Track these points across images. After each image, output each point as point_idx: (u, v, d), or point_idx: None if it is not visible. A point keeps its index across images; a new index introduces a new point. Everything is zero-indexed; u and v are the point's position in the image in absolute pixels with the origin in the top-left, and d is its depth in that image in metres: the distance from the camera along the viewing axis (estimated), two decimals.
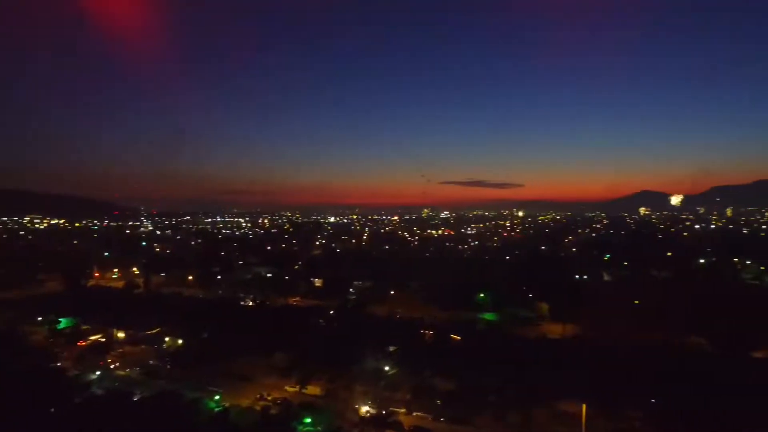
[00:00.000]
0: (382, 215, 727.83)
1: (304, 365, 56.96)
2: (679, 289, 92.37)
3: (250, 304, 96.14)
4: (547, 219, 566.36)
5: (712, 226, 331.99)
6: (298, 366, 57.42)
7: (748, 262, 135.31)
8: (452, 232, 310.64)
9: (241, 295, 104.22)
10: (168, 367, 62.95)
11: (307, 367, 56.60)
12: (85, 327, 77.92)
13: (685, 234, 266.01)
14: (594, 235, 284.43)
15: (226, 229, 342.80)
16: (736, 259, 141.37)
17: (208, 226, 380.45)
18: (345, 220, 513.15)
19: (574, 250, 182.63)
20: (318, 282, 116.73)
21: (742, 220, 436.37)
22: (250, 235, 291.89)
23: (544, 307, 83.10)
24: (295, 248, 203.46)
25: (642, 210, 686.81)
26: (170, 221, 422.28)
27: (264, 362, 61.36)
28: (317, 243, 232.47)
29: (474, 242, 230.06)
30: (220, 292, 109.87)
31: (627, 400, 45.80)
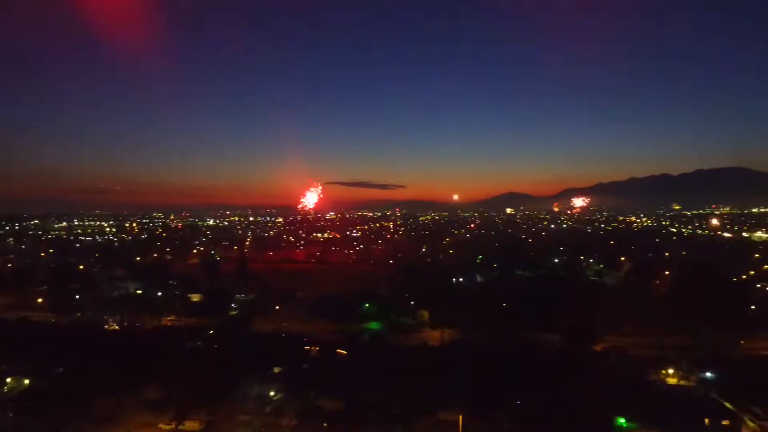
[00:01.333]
0: (266, 216, 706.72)
1: (180, 398, 53.05)
2: (537, 289, 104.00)
3: (116, 328, 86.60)
4: (427, 219, 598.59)
5: (564, 226, 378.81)
6: (174, 399, 53.33)
7: (591, 260, 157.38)
8: (338, 235, 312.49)
9: (105, 317, 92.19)
10: (10, 415, 54.02)
11: (184, 400, 52.80)
12: None
13: (543, 234, 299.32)
14: (468, 236, 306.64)
15: (85, 236, 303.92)
16: (582, 257, 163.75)
17: (63, 232, 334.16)
18: (226, 223, 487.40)
19: (451, 252, 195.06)
20: (196, 297, 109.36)
21: (586, 219, 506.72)
22: (116, 242, 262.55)
23: (425, 313, 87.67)
24: (170, 257, 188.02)
25: (508, 210, 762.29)
26: (11, 226, 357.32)
27: (133, 398, 55.25)
28: (195, 250, 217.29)
29: (359, 245, 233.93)
30: (79, 315, 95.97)
31: (497, 403, 50.59)
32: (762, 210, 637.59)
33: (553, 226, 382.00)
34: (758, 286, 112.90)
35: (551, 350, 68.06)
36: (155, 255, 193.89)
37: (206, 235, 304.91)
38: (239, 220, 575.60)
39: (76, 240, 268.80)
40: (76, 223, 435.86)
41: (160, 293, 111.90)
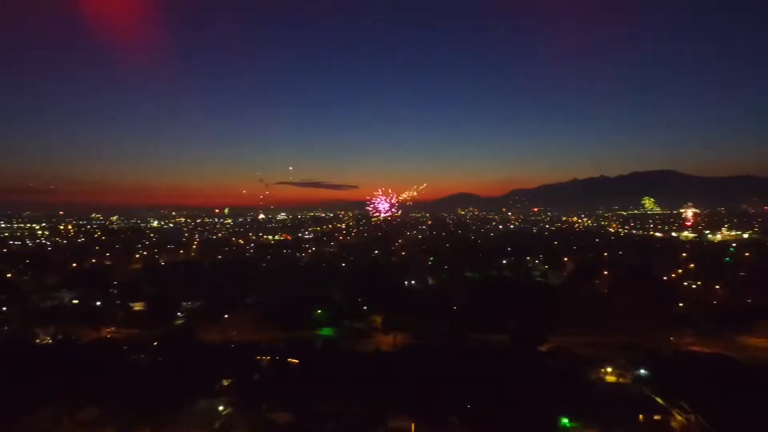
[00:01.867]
0: (214, 218, 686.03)
1: (120, 417, 50.50)
2: (486, 290, 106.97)
3: (50, 341, 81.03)
4: (380, 220, 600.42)
5: (511, 227, 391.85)
6: (114, 417, 50.70)
7: (536, 261, 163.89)
8: (289, 237, 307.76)
9: (37, 330, 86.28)
10: None
11: (126, 418, 50.37)
12: None
13: (492, 234, 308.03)
14: (420, 237, 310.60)
15: (13, 240, 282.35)
16: (528, 258, 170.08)
17: None
18: (171, 225, 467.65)
19: (403, 254, 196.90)
20: (138, 306, 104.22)
21: (533, 219, 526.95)
22: (49, 246, 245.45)
23: (377, 318, 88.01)
24: (109, 263, 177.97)
25: (459, 211, 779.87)
26: None
27: (70, 417, 51.96)
28: (137, 255, 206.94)
29: (311, 248, 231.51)
30: (6, 328, 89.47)
31: (448, 408, 51.56)
32: (690, 210, 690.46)
33: (501, 226, 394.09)
34: (685, 284, 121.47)
35: (500, 351, 70.15)
36: (93, 260, 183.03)
37: (150, 238, 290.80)
38: (186, 221, 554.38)
39: (3, 245, 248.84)
40: (3, 225, 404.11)
41: (98, 302, 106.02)
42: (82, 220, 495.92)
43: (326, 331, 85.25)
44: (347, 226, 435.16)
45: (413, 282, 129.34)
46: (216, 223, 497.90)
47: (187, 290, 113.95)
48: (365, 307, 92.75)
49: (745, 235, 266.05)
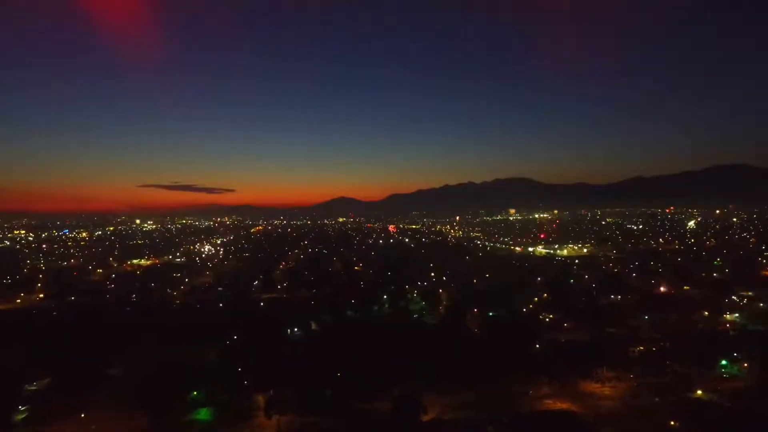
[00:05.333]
0: (66, 227, 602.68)
1: None
2: (367, 339, 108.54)
3: None
4: (259, 230, 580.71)
5: (391, 241, 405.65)
6: None
7: (415, 293, 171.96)
8: (158, 261, 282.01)
9: None
10: None
11: None
12: None
13: (372, 253, 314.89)
14: (302, 255, 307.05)
15: None
16: (407, 287, 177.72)
17: None
18: (6, 243, 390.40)
19: (285, 284, 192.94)
20: None
21: (412, 228, 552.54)
22: None
23: (259, 397, 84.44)
24: None
25: (340, 218, 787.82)
26: None
27: None
28: None
29: (184, 277, 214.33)
30: None
31: None
32: (542, 215, 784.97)
33: (381, 241, 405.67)
34: (541, 316, 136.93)
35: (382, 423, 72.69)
36: None
37: None
38: (26, 235, 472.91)
39: None
40: None
41: None
42: None
43: (202, 414, 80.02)
44: (223, 242, 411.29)
45: (296, 330, 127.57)
46: (68, 239, 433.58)
47: (32, 362, 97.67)
48: (245, 380, 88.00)
49: (585, 250, 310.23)
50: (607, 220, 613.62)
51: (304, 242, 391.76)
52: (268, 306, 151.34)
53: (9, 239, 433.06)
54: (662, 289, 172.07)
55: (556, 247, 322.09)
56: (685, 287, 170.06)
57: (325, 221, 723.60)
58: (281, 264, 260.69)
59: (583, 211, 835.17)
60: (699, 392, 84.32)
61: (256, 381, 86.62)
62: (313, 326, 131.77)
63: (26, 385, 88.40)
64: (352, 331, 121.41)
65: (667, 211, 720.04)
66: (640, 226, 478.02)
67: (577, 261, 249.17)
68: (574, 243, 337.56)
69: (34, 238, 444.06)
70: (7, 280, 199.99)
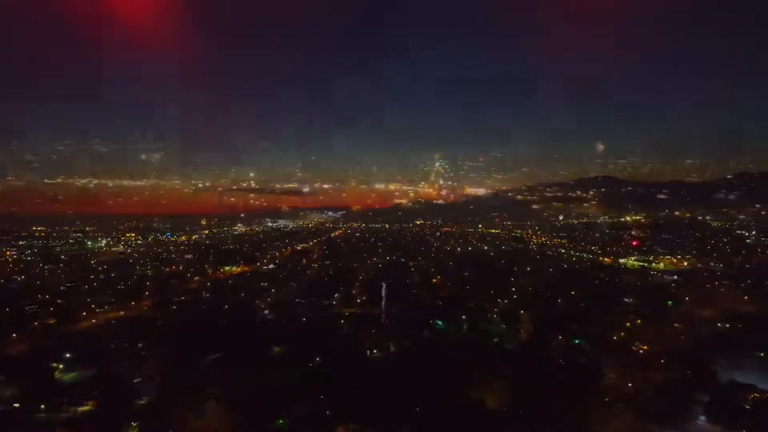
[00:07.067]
0: (167, 230, 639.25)
1: None
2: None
3: None
4: (339, 233, 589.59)
5: (469, 249, 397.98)
6: None
7: (495, 311, 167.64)
8: (248, 269, 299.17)
9: None
10: None
11: None
12: None
13: (450, 263, 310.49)
14: (380, 265, 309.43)
15: None
16: (487, 306, 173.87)
17: None
18: (121, 247, 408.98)
19: (365, 298, 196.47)
20: None
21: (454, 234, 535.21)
22: None
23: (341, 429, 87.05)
24: None
25: (419, 221, 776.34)
26: None
27: None
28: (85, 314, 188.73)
29: (271, 288, 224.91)
30: None
31: None
32: (633, 217, 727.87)
33: (459, 249, 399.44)
34: (634, 347, 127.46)
35: None
36: None
37: (96, 270, 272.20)
38: (134, 238, 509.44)
39: None
40: None
41: None
42: None
43: None
44: (304, 248, 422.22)
45: (375, 351, 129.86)
46: (169, 242, 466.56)
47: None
48: (327, 409, 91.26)
49: (685, 262, 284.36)
50: (713, 224, 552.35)
51: (380, 248, 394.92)
52: (348, 323, 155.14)
53: (123, 242, 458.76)
54: None
55: (651, 258, 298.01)
56: None
57: (403, 224, 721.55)
58: (360, 274, 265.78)
59: (679, 212, 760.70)
60: None
61: (336, 411, 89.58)
62: (392, 348, 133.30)
63: (136, 400, 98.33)
64: (430, 354, 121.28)
65: None
66: (753, 233, 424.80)
67: (675, 277, 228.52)
68: (672, 253, 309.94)
69: (142, 241, 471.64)
70: (120, 286, 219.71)
